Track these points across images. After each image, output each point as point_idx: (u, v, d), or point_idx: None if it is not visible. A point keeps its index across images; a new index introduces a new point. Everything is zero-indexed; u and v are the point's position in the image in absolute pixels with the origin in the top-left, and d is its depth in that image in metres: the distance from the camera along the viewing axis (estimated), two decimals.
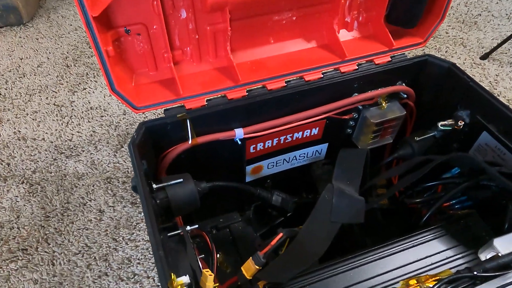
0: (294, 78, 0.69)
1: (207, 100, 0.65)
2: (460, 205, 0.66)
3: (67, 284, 0.90)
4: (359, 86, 0.73)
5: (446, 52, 1.47)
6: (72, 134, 1.21)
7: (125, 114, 1.27)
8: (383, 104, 0.75)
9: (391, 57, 0.73)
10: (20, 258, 0.95)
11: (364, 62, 0.72)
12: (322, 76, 0.70)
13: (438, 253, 0.56)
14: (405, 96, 0.76)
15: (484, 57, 1.42)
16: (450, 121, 0.70)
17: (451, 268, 0.53)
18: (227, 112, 0.66)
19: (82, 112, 1.27)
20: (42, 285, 0.90)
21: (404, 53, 0.74)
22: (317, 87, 0.69)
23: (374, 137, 0.77)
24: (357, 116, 0.77)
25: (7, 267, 0.93)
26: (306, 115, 0.71)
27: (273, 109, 0.69)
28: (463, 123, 0.69)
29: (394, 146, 0.81)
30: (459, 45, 1.50)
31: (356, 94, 0.73)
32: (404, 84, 0.76)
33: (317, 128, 0.75)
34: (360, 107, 0.75)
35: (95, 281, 0.91)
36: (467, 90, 0.68)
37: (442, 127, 0.70)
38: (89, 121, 1.24)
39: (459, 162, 0.65)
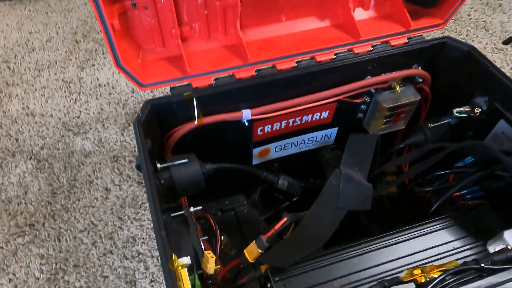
0: (305, 58, 0.68)
1: (215, 79, 0.65)
2: (471, 196, 0.65)
3: (72, 260, 0.93)
4: (372, 68, 0.71)
5: (466, 35, 1.43)
6: (80, 111, 1.22)
7: (133, 93, 1.27)
8: (397, 88, 0.74)
9: (408, 39, 0.71)
10: (27, 233, 0.97)
11: (379, 43, 0.70)
12: (335, 57, 0.68)
13: (446, 243, 0.56)
14: (421, 80, 0.74)
15: (507, 42, 1.38)
16: (466, 108, 0.69)
17: (458, 260, 0.53)
18: (234, 92, 0.65)
19: (90, 89, 1.27)
20: (48, 260, 0.93)
21: (421, 35, 0.72)
22: (328, 68, 0.68)
23: (386, 123, 0.76)
24: (369, 100, 0.75)
25: (15, 242, 0.96)
26: (316, 98, 0.70)
27: (282, 90, 0.68)
28: (480, 110, 0.67)
29: (406, 133, 0.79)
30: (481, 28, 1.45)
31: (369, 77, 0.72)
32: (420, 67, 0.74)
33: (327, 112, 0.74)
34: (373, 90, 0.73)
35: (100, 258, 0.93)
36: (486, 75, 0.66)
37: (457, 114, 0.69)
38: (97, 99, 1.25)
39: (473, 151, 0.64)
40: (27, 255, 0.93)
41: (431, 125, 0.71)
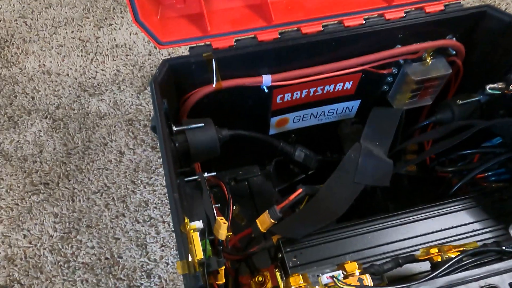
0: (332, 22, 0.66)
1: (236, 40, 0.64)
2: (495, 178, 0.63)
3: (85, 221, 0.96)
4: (403, 37, 0.68)
5: (505, 10, 1.36)
6: (96, 72, 1.23)
7: (150, 55, 1.27)
8: (428, 60, 0.71)
9: (444, 6, 0.68)
10: (42, 191, 1.01)
11: (413, 9, 0.68)
12: (364, 22, 0.66)
13: (465, 224, 0.55)
14: (454, 52, 0.72)
15: None
16: (500, 85, 0.66)
17: (477, 242, 0.52)
18: (255, 55, 0.64)
19: (107, 49, 1.28)
20: (62, 220, 0.96)
21: (459, 2, 0.69)
22: (356, 34, 0.66)
23: (412, 97, 0.74)
24: (396, 72, 0.73)
25: (30, 199, 0.99)
26: (341, 66, 0.68)
27: (306, 56, 0.67)
28: None
29: (432, 109, 0.77)
30: None
31: (399, 46, 0.69)
32: (454, 38, 0.71)
33: (351, 82, 0.73)
34: (402, 61, 0.71)
35: (112, 220, 0.96)
36: None
37: (490, 91, 0.66)
38: (113, 60, 1.26)
39: (503, 130, 0.62)
40: (41, 213, 0.97)
41: (460, 102, 0.70)
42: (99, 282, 0.88)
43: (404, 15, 0.67)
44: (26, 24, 1.34)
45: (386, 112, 0.72)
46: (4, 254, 0.91)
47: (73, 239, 0.93)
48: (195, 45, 0.63)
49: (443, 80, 0.73)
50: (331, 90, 0.74)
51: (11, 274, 0.89)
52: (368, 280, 0.47)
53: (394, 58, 0.70)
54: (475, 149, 0.65)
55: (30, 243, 0.93)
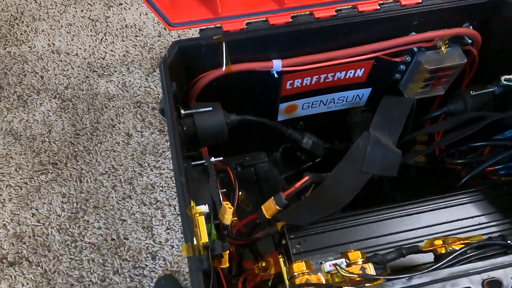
0: (346, 7, 0.66)
1: (247, 23, 0.64)
2: (505, 172, 0.63)
3: (92, 202, 0.98)
4: (418, 24, 0.68)
5: None
6: (106, 52, 1.24)
7: (160, 36, 1.27)
8: (442, 49, 0.71)
9: None
10: (50, 171, 1.03)
11: None
12: (379, 7, 0.66)
13: (471, 217, 0.56)
14: (470, 41, 0.71)
15: None
16: None
17: (482, 235, 0.53)
18: (266, 39, 0.64)
19: (117, 29, 1.28)
20: (69, 200, 0.99)
21: None
22: (370, 19, 0.65)
23: (424, 86, 0.74)
24: (409, 60, 0.73)
25: (38, 178, 1.02)
26: (353, 52, 0.68)
27: (318, 41, 0.67)
28: None
29: (444, 100, 0.77)
30: None
31: (414, 33, 0.69)
32: (471, 27, 0.71)
33: (362, 70, 0.73)
34: (416, 49, 0.71)
35: (119, 202, 0.98)
36: None
37: (505, 82, 0.66)
38: (123, 40, 1.26)
39: None
40: (49, 192, 1.00)
41: (474, 93, 0.69)
42: (105, 262, 0.90)
43: (421, 1, 0.66)
44: (36, 2, 1.35)
45: (397, 101, 0.72)
46: (13, 232, 0.94)
47: (80, 219, 0.96)
48: (205, 27, 0.64)
49: (457, 69, 0.72)
50: (342, 77, 0.74)
51: (19, 251, 0.92)
52: (370, 269, 0.48)
53: (408, 45, 0.70)
54: (486, 141, 0.65)
55: (38, 221, 0.96)
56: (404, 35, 0.69)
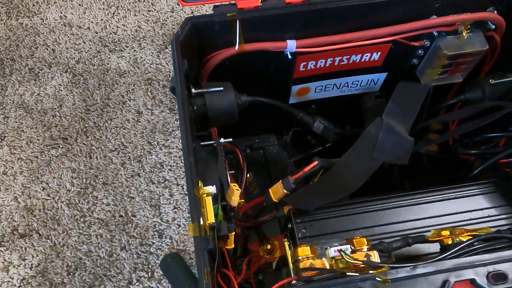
0: None
1: (262, 1, 0.63)
2: None
3: (102, 178, 1.01)
4: (440, 6, 0.67)
5: None
6: (117, 27, 1.24)
7: (172, 12, 1.27)
8: (464, 34, 0.69)
9: None
10: (60, 146, 1.05)
11: None
12: None
13: (481, 209, 0.56)
14: (493, 27, 0.69)
15: None
16: None
17: (491, 227, 0.53)
18: (281, 18, 0.64)
19: (129, 3, 1.29)
20: (79, 175, 1.01)
21: None
22: (390, 1, 0.64)
23: (442, 73, 0.73)
24: (428, 45, 0.72)
25: (49, 153, 1.04)
26: (370, 35, 0.67)
27: (334, 22, 0.66)
28: None
29: (461, 87, 0.76)
30: None
31: (435, 16, 0.68)
32: (496, 11, 0.69)
33: (379, 53, 0.72)
34: (436, 33, 0.70)
35: (128, 179, 1.00)
36: None
37: None
38: (135, 15, 1.27)
39: None
40: (60, 167, 1.02)
41: (493, 82, 0.68)
42: (113, 238, 0.93)
43: None
44: None
45: (413, 87, 0.72)
46: (24, 205, 0.97)
47: (90, 195, 0.98)
48: (219, 3, 0.63)
49: (477, 56, 0.71)
50: (357, 61, 0.74)
51: (30, 223, 0.95)
52: (375, 256, 0.49)
53: (428, 29, 0.69)
54: (503, 132, 0.64)
55: (48, 195, 0.99)
56: (424, 18, 0.68)
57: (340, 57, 0.72)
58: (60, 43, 1.21)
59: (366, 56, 0.73)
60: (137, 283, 0.88)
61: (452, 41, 0.70)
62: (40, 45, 1.21)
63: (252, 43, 0.66)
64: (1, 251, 0.92)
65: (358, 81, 0.79)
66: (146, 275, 0.89)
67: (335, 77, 0.77)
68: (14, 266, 0.90)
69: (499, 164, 0.63)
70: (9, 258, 0.91)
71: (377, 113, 0.69)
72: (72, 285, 0.88)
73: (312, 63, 0.72)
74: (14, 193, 0.99)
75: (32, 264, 0.90)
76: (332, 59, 0.72)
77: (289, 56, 0.69)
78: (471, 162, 0.67)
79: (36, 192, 0.99)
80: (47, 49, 1.21)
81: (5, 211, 0.96)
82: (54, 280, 0.89)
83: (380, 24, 0.67)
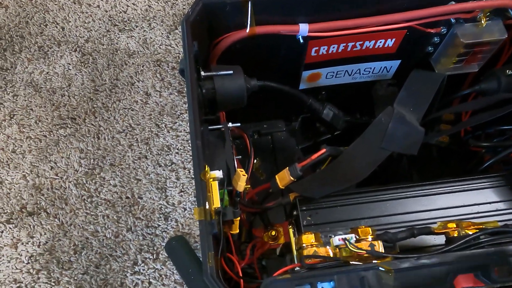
0: None
1: None
2: None
3: (109, 159, 1.02)
4: None
5: None
6: (127, 6, 1.24)
7: None
8: (482, 22, 0.68)
9: None
10: (69, 126, 1.07)
11: None
12: None
13: (489, 203, 0.56)
14: None
15: None
16: None
17: (499, 222, 0.54)
18: (294, 1, 0.64)
19: None
20: (87, 155, 1.03)
21: None
22: None
23: (457, 62, 0.72)
24: (445, 32, 0.71)
25: (57, 132, 1.06)
26: (385, 20, 0.67)
27: (348, 6, 0.66)
28: None
29: (477, 77, 0.76)
30: None
31: (453, 2, 0.67)
32: None
33: (393, 40, 0.72)
34: (453, 20, 0.69)
35: (135, 161, 1.02)
36: None
37: None
38: None
39: None
40: (68, 147, 1.04)
41: (510, 72, 0.68)
42: (119, 219, 0.95)
43: None
44: None
45: (427, 76, 0.71)
46: (32, 183, 1.00)
47: (97, 176, 1.00)
48: None
49: (495, 45, 0.70)
50: (371, 47, 0.73)
51: (38, 202, 0.98)
52: (379, 246, 0.49)
53: (445, 16, 0.68)
54: None
55: (56, 175, 1.01)
56: (442, 4, 0.67)
57: (353, 43, 0.72)
58: (70, 21, 1.22)
59: (380, 42, 0.72)
60: (142, 264, 0.90)
61: (469, 29, 0.69)
62: (50, 22, 1.22)
63: (264, 26, 0.66)
64: (10, 228, 0.94)
65: (371, 68, 0.79)
66: (151, 257, 0.91)
67: (347, 63, 0.77)
68: (22, 243, 0.93)
69: (510, 157, 0.63)
70: (17, 235, 0.94)
71: (388, 102, 0.69)
72: (79, 263, 0.91)
73: (324, 48, 0.72)
74: (23, 172, 1.01)
75: (40, 242, 0.93)
76: (345, 44, 0.72)
77: (301, 41, 0.68)
78: (482, 155, 0.67)
79: (45, 171, 1.01)
80: (57, 27, 1.21)
81: (14, 189, 0.99)
82: (61, 259, 0.91)
83: (395, 9, 0.67)
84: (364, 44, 0.72)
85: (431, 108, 0.67)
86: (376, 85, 0.81)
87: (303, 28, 0.66)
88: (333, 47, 0.72)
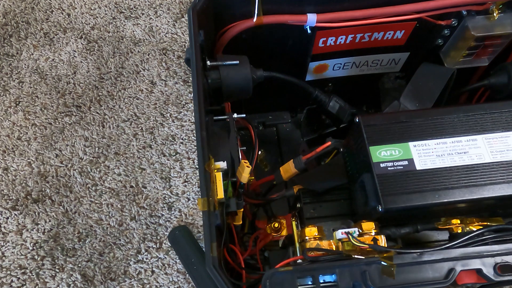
0: None
1: None
2: None
3: (114, 148, 1.03)
4: None
5: None
6: None
7: None
8: (494, 14, 0.68)
9: None
10: (74, 113, 1.08)
11: None
12: None
13: None
14: None
15: None
16: None
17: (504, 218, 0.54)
18: None
19: None
20: (92, 144, 1.04)
21: None
22: None
23: (467, 55, 0.72)
24: (456, 24, 0.70)
25: (62, 120, 1.07)
26: (395, 11, 0.66)
27: None
28: None
29: (487, 71, 0.75)
30: None
31: None
32: None
33: (403, 32, 0.71)
34: (464, 12, 0.68)
35: (140, 150, 1.03)
36: None
37: None
38: None
39: None
40: (73, 134, 1.05)
41: None
42: (123, 208, 0.96)
43: None
44: None
45: (435, 70, 0.71)
46: (37, 170, 1.01)
47: (101, 164, 1.01)
48: None
49: (507, 39, 0.70)
50: (380, 38, 0.73)
51: (43, 189, 0.99)
52: (382, 240, 0.50)
53: (456, 7, 0.67)
54: None
55: (61, 162, 1.02)
56: None
57: (362, 34, 0.71)
58: (76, 8, 1.22)
59: (389, 34, 0.72)
60: (145, 253, 0.92)
61: (481, 22, 0.68)
62: (56, 8, 1.22)
63: (271, 15, 0.66)
64: (15, 214, 0.96)
65: (379, 60, 0.78)
66: (154, 246, 0.92)
67: (355, 55, 0.77)
68: (27, 230, 0.95)
69: None
70: (22, 222, 0.95)
71: (395, 95, 0.69)
72: (83, 251, 0.92)
73: (332, 39, 0.72)
74: (28, 159, 1.02)
75: (44, 229, 0.95)
76: (353, 35, 0.71)
77: (309, 31, 0.68)
78: None
79: (50, 158, 1.02)
80: (62, 13, 1.22)
81: (19, 176, 1.00)
82: (66, 246, 0.93)
83: (405, 0, 0.66)
84: (372, 36, 0.72)
85: (439, 103, 0.66)
86: (384, 77, 0.81)
87: (311, 18, 0.66)
88: (341, 38, 0.72)
